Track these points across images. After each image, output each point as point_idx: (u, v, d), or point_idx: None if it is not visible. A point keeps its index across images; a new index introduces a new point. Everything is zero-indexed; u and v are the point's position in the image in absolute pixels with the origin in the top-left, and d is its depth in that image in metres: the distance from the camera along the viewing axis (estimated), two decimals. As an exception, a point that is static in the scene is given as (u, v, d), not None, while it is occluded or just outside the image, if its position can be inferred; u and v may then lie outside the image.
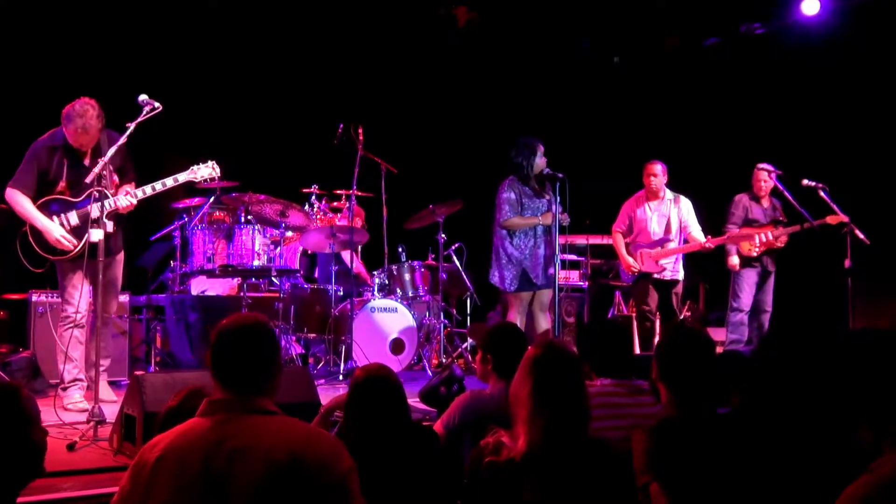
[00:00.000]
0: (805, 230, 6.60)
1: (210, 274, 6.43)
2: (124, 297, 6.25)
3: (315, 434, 2.11)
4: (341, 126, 6.76)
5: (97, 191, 4.63)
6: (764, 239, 6.75)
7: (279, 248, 6.41)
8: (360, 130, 6.72)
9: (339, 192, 7.56)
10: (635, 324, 7.27)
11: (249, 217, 6.36)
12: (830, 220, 6.48)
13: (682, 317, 7.18)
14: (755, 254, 6.82)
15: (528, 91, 9.40)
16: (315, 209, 7.31)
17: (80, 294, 4.89)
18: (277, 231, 6.36)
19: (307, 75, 8.60)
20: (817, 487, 2.17)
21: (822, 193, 6.49)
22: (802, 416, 2.37)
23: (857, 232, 6.38)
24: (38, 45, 7.27)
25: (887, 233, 7.01)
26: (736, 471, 2.35)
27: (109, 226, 4.68)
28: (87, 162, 4.95)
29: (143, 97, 4.60)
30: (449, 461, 2.97)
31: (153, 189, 4.99)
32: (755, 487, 2.31)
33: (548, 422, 2.35)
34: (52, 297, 6.05)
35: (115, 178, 5.00)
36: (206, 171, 5.17)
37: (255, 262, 6.16)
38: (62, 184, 4.92)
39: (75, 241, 4.85)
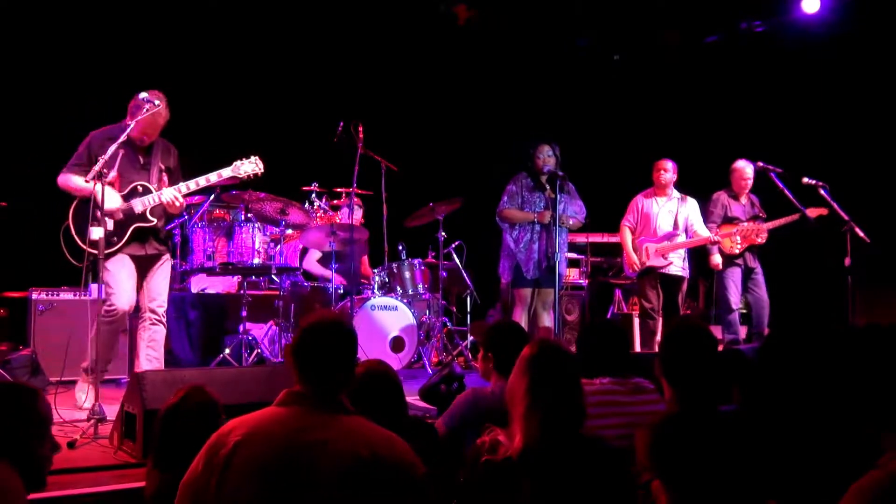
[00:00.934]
0: (794, 224, 6.60)
1: (210, 272, 6.42)
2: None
3: (391, 436, 2.16)
4: (341, 124, 6.75)
5: (141, 185, 4.69)
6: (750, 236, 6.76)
7: (279, 246, 6.40)
8: (361, 128, 6.71)
9: (339, 189, 7.56)
10: (636, 322, 7.26)
11: (249, 215, 6.35)
12: (810, 212, 6.48)
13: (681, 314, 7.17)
14: (737, 251, 6.80)
15: (528, 89, 9.40)
16: (315, 207, 7.31)
17: (102, 288, 4.74)
18: (277, 229, 6.36)
19: (307, 73, 8.59)
20: (821, 484, 2.17)
21: (822, 191, 6.48)
22: (805, 413, 2.36)
23: (857, 230, 6.38)
24: (38, 44, 7.26)
25: (887, 231, 7.00)
26: (739, 468, 2.34)
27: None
28: (140, 159, 4.90)
29: (142, 95, 4.58)
30: (448, 458, 2.97)
31: (196, 184, 4.90)
32: (759, 484, 2.31)
33: (543, 420, 2.35)
34: (52, 294, 6.05)
35: (165, 178, 4.95)
36: (249, 166, 5.06)
37: (255, 260, 6.15)
38: (114, 174, 4.72)
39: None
